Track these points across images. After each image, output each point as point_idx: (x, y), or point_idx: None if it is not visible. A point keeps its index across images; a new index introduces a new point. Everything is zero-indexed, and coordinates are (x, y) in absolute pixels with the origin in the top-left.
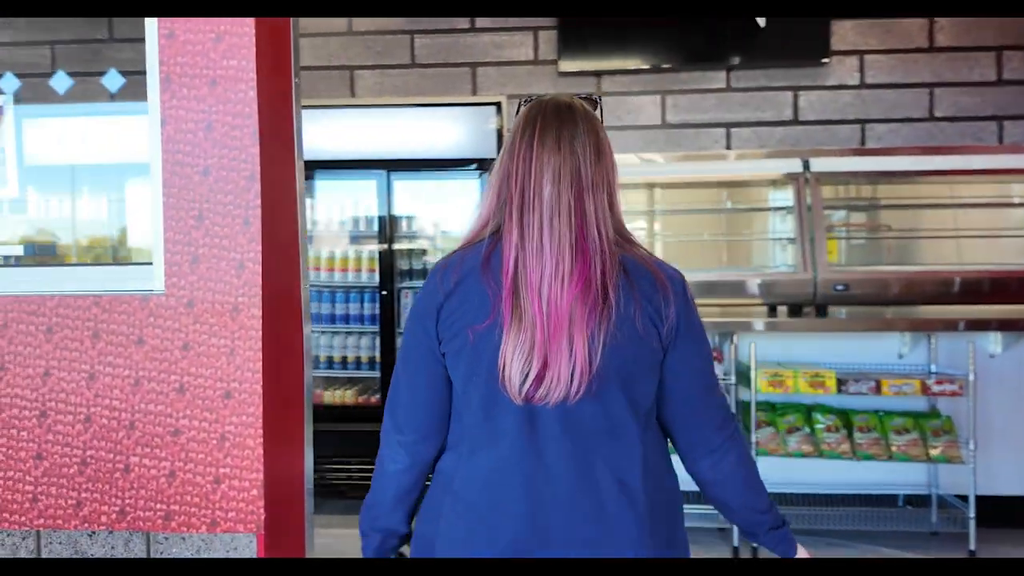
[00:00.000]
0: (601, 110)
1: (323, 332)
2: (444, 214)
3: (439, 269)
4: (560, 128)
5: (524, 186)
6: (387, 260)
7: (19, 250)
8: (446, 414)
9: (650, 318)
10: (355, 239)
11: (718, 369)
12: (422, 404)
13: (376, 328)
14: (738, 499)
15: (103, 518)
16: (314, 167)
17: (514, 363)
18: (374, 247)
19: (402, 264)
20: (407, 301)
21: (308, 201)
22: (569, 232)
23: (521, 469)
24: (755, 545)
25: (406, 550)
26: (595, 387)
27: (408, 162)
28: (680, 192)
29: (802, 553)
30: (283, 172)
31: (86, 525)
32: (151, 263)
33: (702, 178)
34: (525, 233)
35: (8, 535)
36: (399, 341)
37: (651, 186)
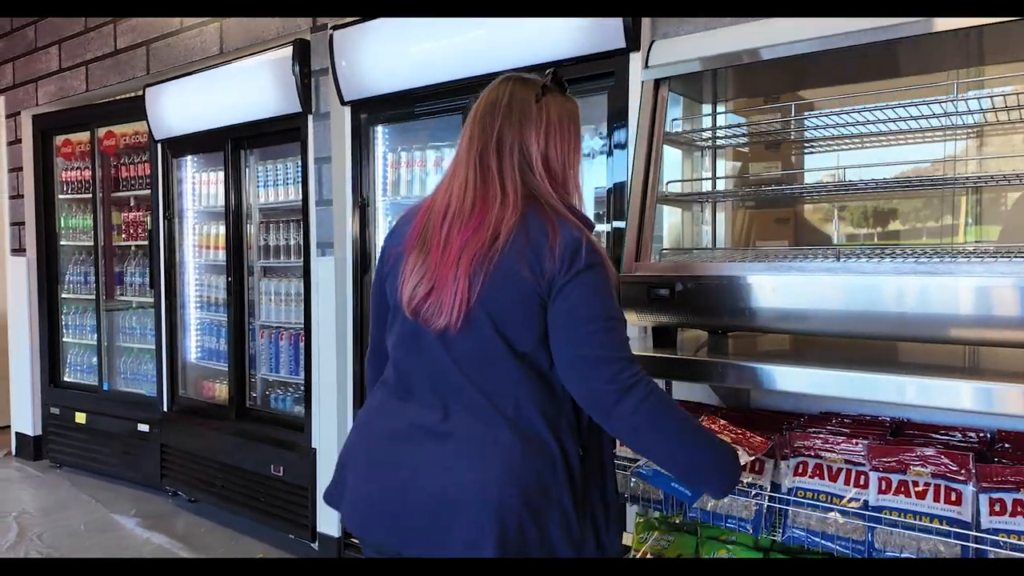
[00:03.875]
0: (563, 83)
1: None
2: None
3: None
4: (487, 102)
5: (459, 146)
6: None
7: None
8: None
9: (532, 270)
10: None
11: None
12: (374, 321)
13: None
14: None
15: None
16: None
17: (411, 279)
18: None
19: None
20: None
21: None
22: (475, 181)
23: (408, 379)
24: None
25: None
26: (471, 322)
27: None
28: None
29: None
30: None
31: None
32: None
33: None
34: (444, 179)
35: None
36: None
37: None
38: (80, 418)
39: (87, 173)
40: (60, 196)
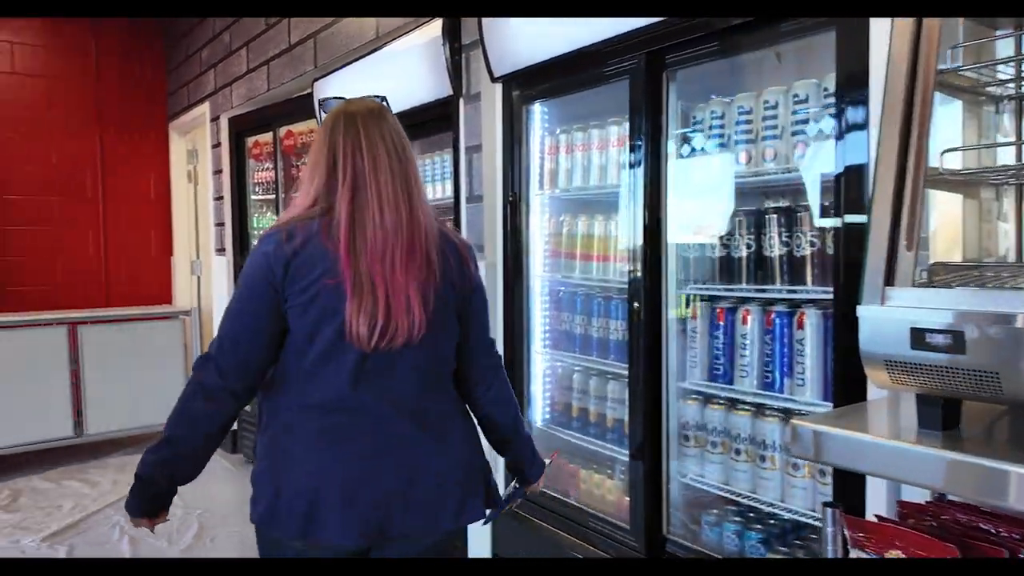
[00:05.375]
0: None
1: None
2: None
3: (279, 231)
4: (381, 125)
5: (356, 178)
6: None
7: None
8: (268, 365)
9: (460, 277)
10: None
11: None
12: (256, 354)
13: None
14: (510, 414)
15: None
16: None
17: (360, 320)
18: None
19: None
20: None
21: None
22: (407, 215)
23: (365, 405)
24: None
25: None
26: (428, 330)
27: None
28: None
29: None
30: None
31: None
32: None
33: None
34: (363, 211)
35: None
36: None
37: None
38: None
39: (272, 174)
40: (252, 197)
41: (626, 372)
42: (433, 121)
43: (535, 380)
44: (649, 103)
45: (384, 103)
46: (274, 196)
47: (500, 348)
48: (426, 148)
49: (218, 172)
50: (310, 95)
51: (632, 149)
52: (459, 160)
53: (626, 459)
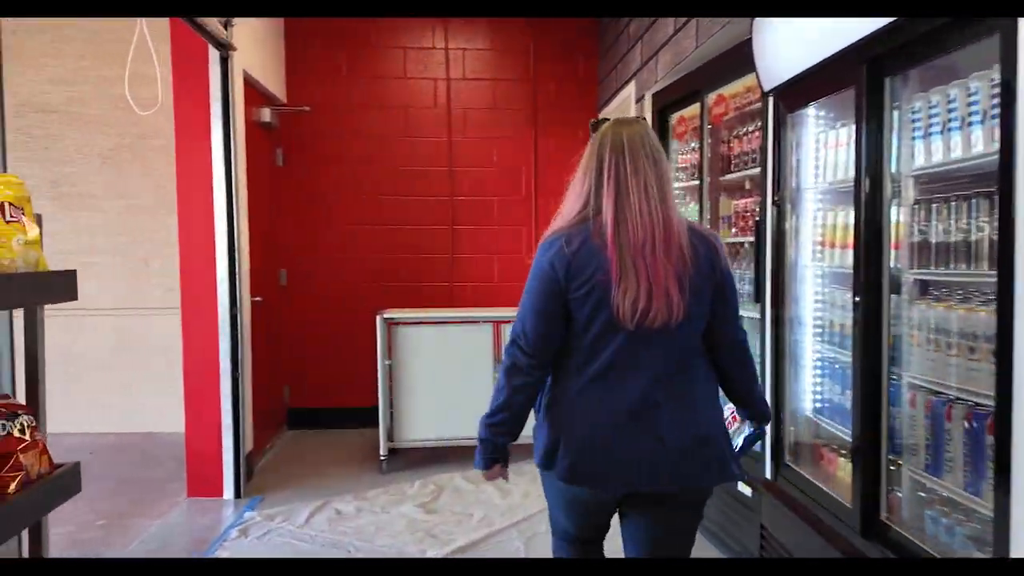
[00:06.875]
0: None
1: None
2: None
3: (560, 238)
4: (643, 138)
5: (619, 180)
6: None
7: None
8: (560, 343)
9: (710, 267)
10: None
11: None
12: (550, 339)
13: None
14: (755, 378)
15: None
16: None
17: (626, 303)
18: None
19: None
20: None
21: None
22: (662, 212)
23: (629, 378)
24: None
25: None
26: (685, 314)
27: None
28: None
29: None
30: None
31: None
32: None
33: None
34: (624, 211)
35: None
36: None
37: None
38: None
39: (696, 155)
40: (676, 185)
41: None
42: (930, 36)
43: None
44: None
45: (642, 120)
46: (698, 182)
47: None
48: (915, 85)
49: None
50: (747, 42)
51: None
52: (1017, 80)
53: None
